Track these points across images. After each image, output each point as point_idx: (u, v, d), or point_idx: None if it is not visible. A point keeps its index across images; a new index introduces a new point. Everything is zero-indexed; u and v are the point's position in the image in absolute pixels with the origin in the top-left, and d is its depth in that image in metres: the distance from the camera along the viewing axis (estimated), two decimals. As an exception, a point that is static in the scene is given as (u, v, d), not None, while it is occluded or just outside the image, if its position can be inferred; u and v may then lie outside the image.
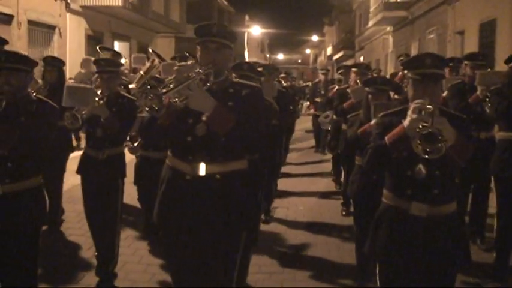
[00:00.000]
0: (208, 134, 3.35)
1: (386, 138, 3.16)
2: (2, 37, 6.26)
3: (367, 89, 5.35)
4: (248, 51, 49.79)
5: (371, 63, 29.47)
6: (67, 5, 15.28)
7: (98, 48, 8.77)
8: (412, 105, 3.09)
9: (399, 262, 3.26)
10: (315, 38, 63.35)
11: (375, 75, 11.09)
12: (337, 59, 45.23)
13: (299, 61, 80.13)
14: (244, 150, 3.61)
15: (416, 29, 20.56)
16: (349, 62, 38.69)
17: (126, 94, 5.42)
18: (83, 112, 4.81)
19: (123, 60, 8.56)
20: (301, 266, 5.68)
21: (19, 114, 3.79)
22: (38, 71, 6.20)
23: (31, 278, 3.85)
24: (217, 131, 3.29)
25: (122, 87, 7.05)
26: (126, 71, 9.24)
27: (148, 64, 7.62)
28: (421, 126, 2.91)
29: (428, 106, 3.00)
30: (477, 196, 6.35)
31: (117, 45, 18.80)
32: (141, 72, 7.47)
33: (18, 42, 13.03)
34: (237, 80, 3.75)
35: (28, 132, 3.74)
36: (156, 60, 7.29)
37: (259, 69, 6.74)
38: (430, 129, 2.88)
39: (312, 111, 12.96)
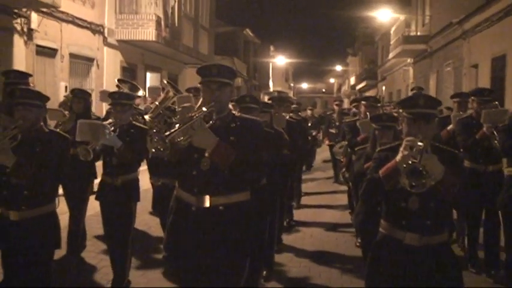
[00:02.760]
0: (212, 168, 3.49)
1: (380, 171, 3.30)
2: (25, 72, 6.74)
3: (374, 125, 5.51)
4: (273, 80, 49.95)
5: (392, 94, 30.15)
6: (104, 39, 16.11)
7: (116, 80, 9.04)
8: (404, 142, 3.22)
9: None
10: (338, 67, 63.44)
11: (387, 107, 11.37)
12: (360, 89, 45.50)
13: (323, 90, 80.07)
14: (247, 182, 3.72)
15: (435, 62, 21.12)
16: (371, 92, 39.15)
17: (138, 124, 5.63)
18: (95, 146, 4.98)
19: (140, 93, 8.85)
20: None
21: (34, 146, 3.96)
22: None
23: None
24: (220, 165, 3.43)
25: (140, 117, 7.35)
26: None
27: (163, 95, 7.83)
28: (410, 162, 3.05)
29: (419, 143, 3.13)
30: (487, 228, 6.30)
31: (149, 76, 19.63)
32: (156, 103, 7.68)
33: (61, 74, 13.91)
34: (239, 114, 3.83)
35: (43, 162, 3.89)
36: (171, 92, 7.48)
37: (269, 101, 7.03)
38: (414, 165, 3.01)
39: (327, 142, 13.00)
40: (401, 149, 3.21)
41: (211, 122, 3.49)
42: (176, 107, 6.89)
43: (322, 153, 17.35)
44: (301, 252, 7.20)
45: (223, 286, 3.57)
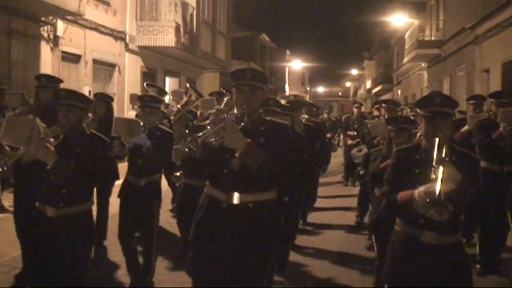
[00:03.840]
0: (242, 168, 3.61)
1: (399, 196, 3.31)
2: (58, 77, 7.02)
3: (389, 127, 5.52)
4: (289, 84, 50.19)
5: (408, 98, 30.32)
6: (126, 45, 16.67)
7: (145, 84, 9.36)
8: (422, 189, 3.12)
9: (412, 286, 3.41)
10: (354, 71, 63.25)
11: (406, 109, 11.52)
12: (376, 93, 45.54)
13: (339, 94, 79.87)
14: (275, 182, 3.82)
15: (448, 66, 21.35)
16: (387, 96, 39.24)
17: (164, 127, 5.75)
18: (129, 141, 5.16)
19: (167, 97, 9.21)
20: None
21: (75, 147, 4.01)
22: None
23: None
24: (250, 165, 3.55)
25: (166, 120, 7.71)
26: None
27: (185, 98, 8.01)
28: (427, 200, 3.02)
29: (436, 192, 3.01)
30: (495, 228, 6.36)
31: (168, 81, 20.18)
32: (178, 106, 7.89)
33: (85, 79, 14.47)
34: (269, 118, 3.94)
35: (82, 162, 3.95)
36: (193, 95, 7.63)
37: (286, 104, 7.15)
38: (436, 200, 2.98)
39: (349, 142, 12.71)
40: (418, 191, 3.13)
41: (242, 124, 3.64)
42: (198, 110, 7.20)
43: (338, 157, 17.38)
44: (321, 253, 7.28)
45: (248, 281, 3.67)
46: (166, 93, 8.96)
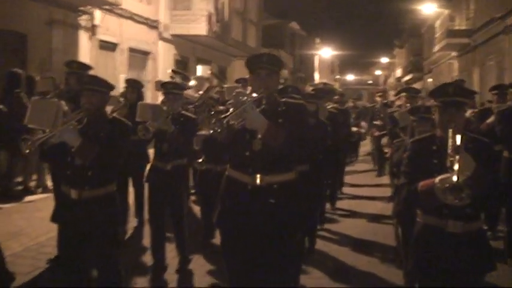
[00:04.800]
0: (263, 149, 3.68)
1: (419, 186, 3.32)
2: (87, 64, 7.23)
3: (412, 116, 5.55)
4: (319, 72, 50.17)
5: (437, 86, 30.14)
6: (160, 34, 17.11)
7: (170, 71, 9.59)
8: (441, 176, 3.13)
9: (437, 276, 3.45)
10: (385, 59, 62.84)
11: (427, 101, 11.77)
12: (406, 81, 45.17)
13: (369, 82, 79.23)
14: (295, 162, 3.91)
15: (478, 56, 21.34)
16: (418, 84, 38.94)
17: (187, 113, 5.87)
18: (153, 126, 5.29)
19: (192, 83, 9.33)
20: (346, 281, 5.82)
21: (98, 130, 4.08)
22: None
23: (115, 272, 4.19)
24: (271, 145, 3.62)
25: (191, 106, 7.77)
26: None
27: (207, 85, 8.45)
28: (446, 185, 3.05)
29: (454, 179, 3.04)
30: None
31: (200, 68, 20.48)
32: (200, 92, 8.21)
33: (121, 67, 14.98)
34: (285, 99, 3.97)
35: (106, 145, 4.02)
36: (215, 81, 8.08)
37: (312, 92, 7.25)
38: (455, 185, 3.01)
39: (376, 133, 12.67)
40: (438, 179, 3.15)
41: (262, 106, 3.72)
42: (224, 96, 7.47)
43: (365, 146, 17.30)
44: (342, 240, 7.36)
45: (276, 261, 3.73)
46: (190, 79, 9.11)
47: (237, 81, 8.34)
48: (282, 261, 3.76)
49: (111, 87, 4.32)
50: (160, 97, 12.27)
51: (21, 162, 8.98)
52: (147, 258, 6.00)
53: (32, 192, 9.05)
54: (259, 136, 3.63)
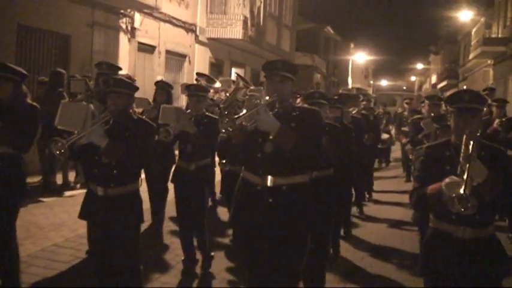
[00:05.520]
0: (275, 151, 3.77)
1: (428, 190, 3.36)
2: (116, 65, 7.35)
3: (435, 124, 5.70)
4: (352, 77, 50.19)
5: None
6: (196, 37, 17.52)
7: (195, 73, 9.71)
8: (448, 180, 3.14)
9: (444, 280, 3.47)
10: (420, 65, 62.31)
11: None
12: (441, 88, 44.75)
13: (404, 88, 78.48)
14: (306, 165, 3.99)
15: (514, 64, 21.20)
16: (452, 92, 38.73)
17: (210, 115, 5.93)
18: (176, 128, 5.40)
19: (217, 85, 9.44)
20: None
21: (124, 130, 4.23)
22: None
23: (135, 267, 4.34)
24: (282, 147, 3.70)
25: (217, 108, 7.90)
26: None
27: (233, 87, 8.16)
28: (453, 195, 3.04)
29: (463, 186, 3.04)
30: None
31: (234, 71, 20.70)
32: (227, 94, 8.21)
33: (158, 68, 15.39)
34: (300, 105, 4.15)
35: (131, 145, 4.16)
36: (241, 83, 7.66)
37: (336, 97, 7.06)
38: (462, 196, 3.00)
39: (404, 140, 12.37)
40: (444, 183, 3.16)
41: (275, 110, 3.83)
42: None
43: (394, 152, 17.38)
44: (361, 244, 7.42)
45: (285, 257, 3.82)
46: (215, 81, 9.18)
47: (261, 83, 8.40)
48: (286, 261, 3.83)
49: (136, 89, 4.47)
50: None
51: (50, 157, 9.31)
52: (168, 256, 6.33)
53: (72, 187, 9.44)
54: (271, 138, 3.72)
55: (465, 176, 3.06)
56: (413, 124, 8.11)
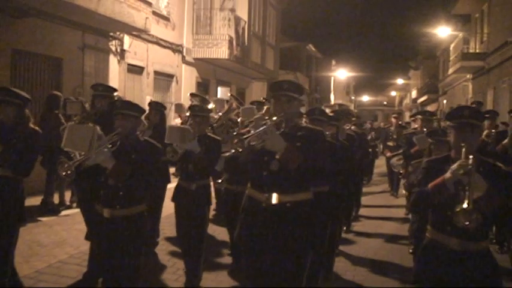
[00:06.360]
0: (280, 169, 3.85)
1: (429, 185, 3.43)
2: (112, 86, 7.15)
3: (429, 139, 5.77)
4: (334, 93, 50.43)
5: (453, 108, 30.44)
6: (183, 57, 17.82)
7: (189, 94, 9.72)
8: (455, 164, 3.30)
9: None
10: (400, 81, 62.88)
11: (444, 120, 10.98)
12: (421, 102, 45.41)
13: (384, 103, 78.95)
14: (310, 182, 4.07)
15: (492, 78, 21.63)
16: (433, 106, 39.32)
17: (213, 135, 5.96)
18: (181, 148, 5.45)
19: (211, 105, 9.41)
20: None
21: (130, 152, 4.25)
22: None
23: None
24: (288, 166, 3.78)
25: (210, 127, 7.77)
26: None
27: (226, 107, 8.53)
28: (457, 210, 3.12)
29: (469, 165, 3.22)
30: None
31: (220, 90, 21.19)
32: (219, 114, 8.41)
33: (147, 89, 15.66)
34: (305, 125, 4.21)
35: (137, 167, 4.18)
36: (234, 104, 8.04)
37: (331, 114, 7.09)
38: (469, 210, 3.08)
39: (388, 154, 13.04)
40: (452, 166, 3.31)
41: (281, 129, 3.94)
42: (239, 118, 7.57)
43: (378, 167, 17.43)
44: (358, 260, 7.46)
45: (288, 272, 3.88)
46: (209, 102, 9.27)
47: (252, 103, 8.47)
48: (288, 278, 3.89)
49: (143, 111, 4.52)
50: (174, 119, 12.70)
51: (57, 179, 9.53)
52: (164, 276, 6.37)
53: (68, 207, 9.61)
54: (277, 157, 3.80)
55: (466, 190, 3.15)
56: (407, 139, 8.33)
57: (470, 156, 3.27)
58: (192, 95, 9.80)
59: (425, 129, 7.70)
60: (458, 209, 3.10)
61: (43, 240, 7.48)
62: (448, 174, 3.30)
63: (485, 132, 8.10)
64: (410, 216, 8.66)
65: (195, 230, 5.67)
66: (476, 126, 3.53)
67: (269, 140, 3.70)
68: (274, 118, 3.85)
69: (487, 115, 8.70)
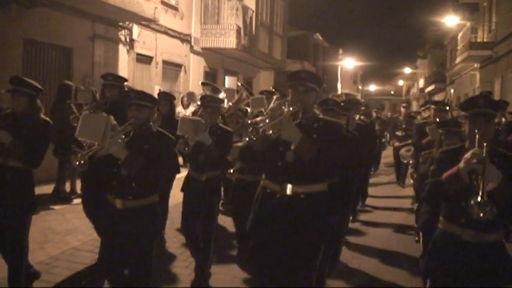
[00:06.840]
0: (295, 160, 3.81)
1: (443, 176, 3.38)
2: (122, 76, 7.30)
3: (440, 130, 5.64)
4: (341, 83, 50.36)
5: (460, 97, 30.51)
6: (191, 47, 17.92)
7: (200, 83, 9.67)
8: (468, 153, 3.25)
9: (450, 281, 3.52)
10: (407, 70, 62.82)
11: (455, 111, 10.99)
12: (429, 92, 45.29)
13: (392, 92, 78.57)
14: (325, 174, 4.04)
15: (500, 68, 21.67)
16: (440, 95, 39.26)
17: (224, 126, 5.91)
18: (193, 139, 5.36)
19: (222, 95, 9.36)
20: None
21: (143, 143, 4.20)
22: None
23: (148, 273, 4.29)
24: (303, 157, 3.74)
25: (220, 117, 7.96)
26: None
27: (237, 97, 8.56)
28: (472, 202, 3.08)
29: (482, 153, 3.16)
30: None
31: (227, 79, 21.30)
32: (229, 104, 8.38)
33: (156, 78, 15.77)
34: (322, 116, 4.12)
35: (150, 158, 4.13)
36: (244, 94, 8.04)
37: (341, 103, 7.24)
38: (484, 203, 3.05)
39: (396, 144, 12.86)
40: (466, 155, 3.26)
41: (298, 120, 3.88)
42: (249, 108, 7.58)
43: (385, 158, 17.41)
44: (367, 251, 7.42)
45: (300, 262, 3.88)
46: (220, 91, 9.21)
47: (261, 93, 8.43)
48: (300, 269, 3.89)
49: (157, 101, 4.46)
50: (185, 108, 12.86)
51: (69, 168, 9.67)
52: (176, 265, 6.39)
53: (79, 195, 9.74)
54: (293, 148, 3.75)
55: (481, 182, 3.11)
56: (417, 128, 8.23)
57: (484, 144, 3.22)
58: (203, 84, 9.78)
59: (437, 120, 7.60)
60: (472, 201, 3.07)
61: (56, 228, 7.64)
62: (462, 164, 3.26)
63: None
64: (415, 206, 8.66)
65: (204, 222, 5.65)
66: (491, 115, 3.49)
67: (285, 130, 3.68)
68: (291, 108, 3.81)
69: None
